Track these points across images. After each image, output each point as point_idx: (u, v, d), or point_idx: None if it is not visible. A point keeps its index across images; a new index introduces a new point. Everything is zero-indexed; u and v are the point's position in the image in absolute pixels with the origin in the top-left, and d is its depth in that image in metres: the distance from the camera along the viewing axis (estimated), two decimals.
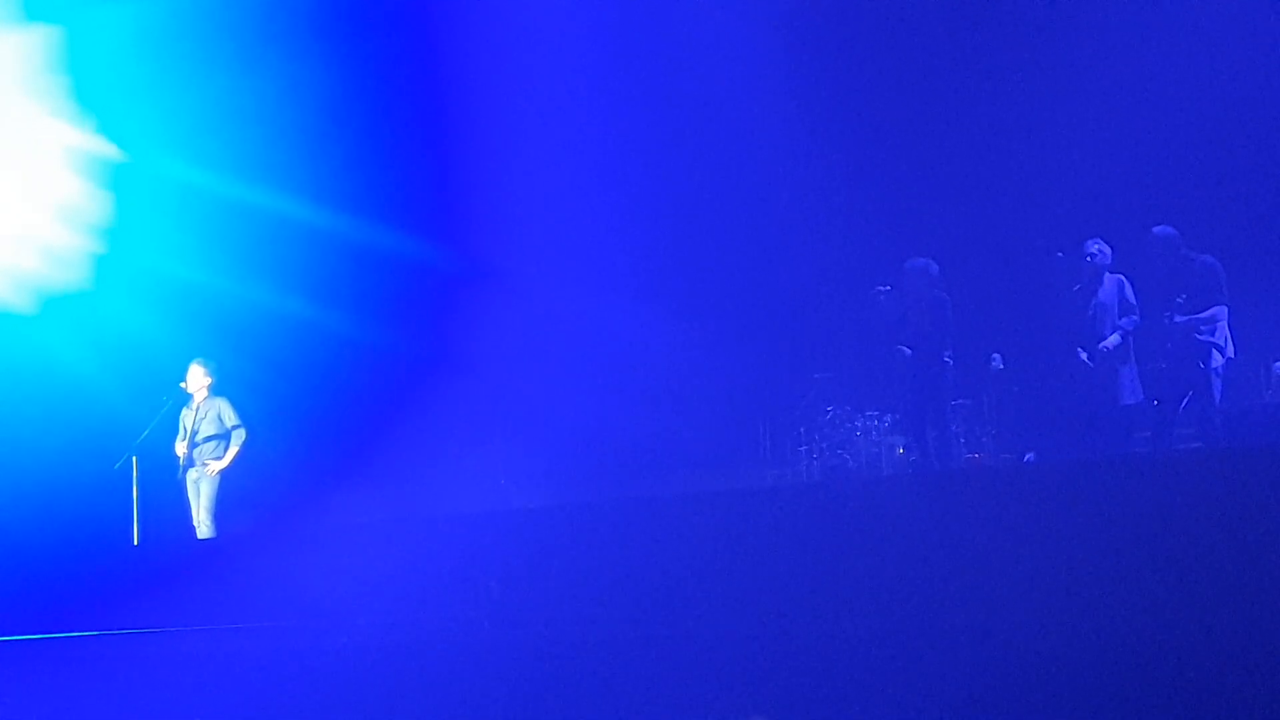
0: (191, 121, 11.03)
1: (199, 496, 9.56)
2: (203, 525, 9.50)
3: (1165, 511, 5.20)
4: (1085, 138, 10.65)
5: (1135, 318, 8.37)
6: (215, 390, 9.69)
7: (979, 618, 5.28)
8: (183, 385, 9.70)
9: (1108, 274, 8.47)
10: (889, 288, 9.17)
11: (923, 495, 6.01)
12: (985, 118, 11.30)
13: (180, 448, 9.61)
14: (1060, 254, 8.77)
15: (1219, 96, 10.23)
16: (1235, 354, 8.08)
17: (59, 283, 11.02)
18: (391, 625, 6.48)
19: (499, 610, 6.49)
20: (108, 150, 11.00)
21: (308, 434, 11.24)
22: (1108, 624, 4.98)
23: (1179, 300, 7.98)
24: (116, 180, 11.08)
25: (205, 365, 9.72)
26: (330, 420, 11.60)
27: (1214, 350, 7.91)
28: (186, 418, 9.66)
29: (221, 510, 9.54)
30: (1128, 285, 8.44)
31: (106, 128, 10.96)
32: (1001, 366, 11.53)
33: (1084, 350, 8.53)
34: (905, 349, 8.84)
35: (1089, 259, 8.48)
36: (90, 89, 10.87)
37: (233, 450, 9.57)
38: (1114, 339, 8.34)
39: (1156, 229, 8.19)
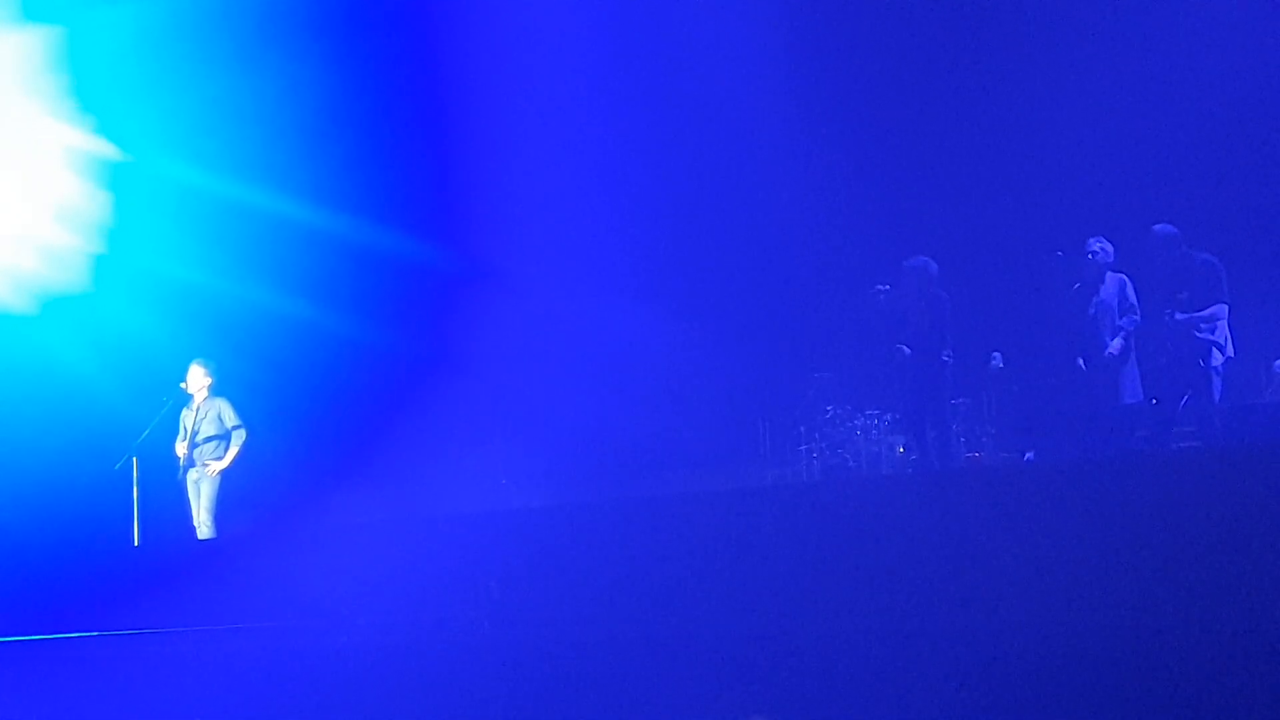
0: (191, 122, 11.03)
1: (199, 497, 9.56)
2: (203, 526, 9.50)
3: (1165, 511, 5.20)
4: (1086, 136, 10.65)
5: (1135, 318, 8.34)
6: (215, 390, 9.69)
7: (979, 617, 5.28)
8: (183, 386, 9.70)
9: (1109, 273, 8.42)
10: (888, 287, 9.16)
11: (923, 494, 6.01)
12: (985, 117, 11.30)
13: (180, 448, 9.61)
14: (1060, 253, 8.75)
15: (1219, 95, 10.23)
16: (1235, 353, 8.07)
17: (59, 283, 11.02)
18: (391, 625, 6.48)
19: (499, 610, 6.49)
20: (107, 150, 11.00)
21: (308, 434, 11.25)
22: (1108, 623, 4.98)
23: (1180, 297, 7.97)
24: (116, 180, 11.09)
25: (205, 365, 9.72)
26: (330, 420, 11.60)
27: (1214, 349, 7.90)
28: (186, 418, 9.66)
29: (222, 510, 9.53)
30: (1129, 285, 8.39)
31: (106, 128, 10.96)
32: (1001, 365, 11.54)
33: (1082, 357, 8.49)
34: (904, 348, 8.83)
35: (1090, 256, 8.43)
36: (90, 89, 10.87)
37: (233, 450, 9.57)
38: (1117, 344, 8.30)
39: (1157, 227, 8.18)
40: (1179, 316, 7.96)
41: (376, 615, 6.61)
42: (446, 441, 11.81)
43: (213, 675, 6.10)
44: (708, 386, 12.56)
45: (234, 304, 10.99)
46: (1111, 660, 4.67)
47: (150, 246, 11.08)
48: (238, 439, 9.57)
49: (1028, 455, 10.20)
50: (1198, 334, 7.92)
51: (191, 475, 9.61)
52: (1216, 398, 7.95)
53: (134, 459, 9.53)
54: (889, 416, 11.38)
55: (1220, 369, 7.96)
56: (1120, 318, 8.35)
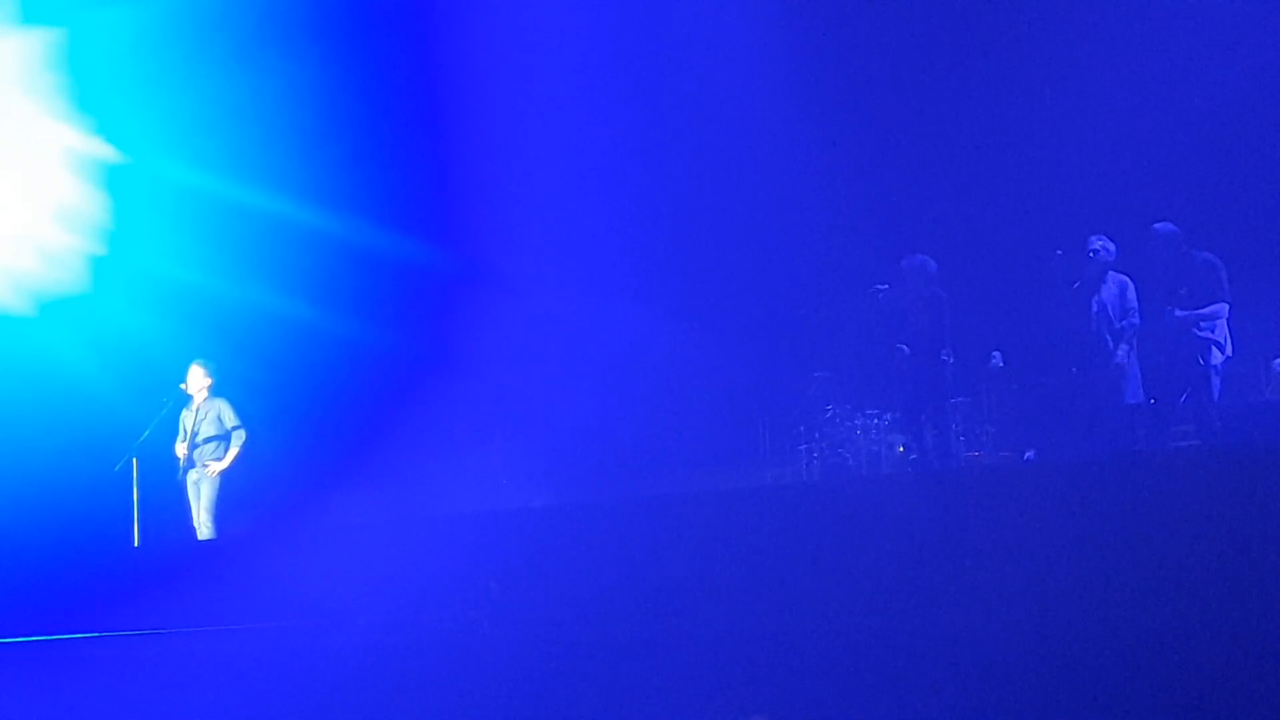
0: (190, 123, 11.03)
1: (199, 497, 9.56)
2: (203, 526, 9.50)
3: (1164, 509, 5.20)
4: (1086, 135, 10.66)
5: (1134, 321, 8.30)
6: (215, 391, 9.69)
7: (979, 617, 5.28)
8: (183, 386, 9.70)
9: (1111, 272, 8.40)
10: (887, 286, 9.16)
11: (922, 494, 6.01)
12: (985, 116, 11.31)
13: (180, 449, 9.61)
14: (1060, 252, 8.74)
15: (1219, 95, 10.24)
16: (1234, 352, 8.07)
17: (58, 284, 11.02)
18: (391, 625, 6.48)
19: (499, 610, 6.49)
20: (107, 152, 11.00)
21: (308, 434, 11.24)
22: (1107, 622, 4.98)
23: (1181, 293, 7.96)
24: (115, 182, 11.08)
25: (205, 366, 9.72)
26: (330, 420, 11.60)
27: (1213, 347, 7.90)
28: (186, 419, 9.66)
29: (222, 511, 9.53)
30: (1130, 287, 8.34)
31: (105, 129, 10.96)
32: (1001, 364, 11.54)
33: (1077, 366, 8.48)
34: (904, 347, 8.83)
35: (1092, 255, 8.40)
36: (89, 90, 10.87)
37: (233, 451, 9.57)
38: (1123, 352, 8.28)
39: (1158, 226, 8.17)
40: (1179, 313, 7.96)
41: (376, 615, 6.60)
42: (446, 441, 11.81)
43: (213, 675, 6.09)
44: (708, 386, 12.57)
45: (233, 305, 10.99)
46: (1111, 660, 4.67)
47: (149, 247, 11.08)
48: (237, 440, 9.57)
49: (1027, 454, 10.20)
50: (1197, 332, 7.92)
51: (191, 476, 9.61)
52: (1216, 396, 7.95)
53: (134, 460, 9.53)
54: (889, 416, 11.39)
55: (1219, 368, 7.96)
56: (1119, 321, 8.33)
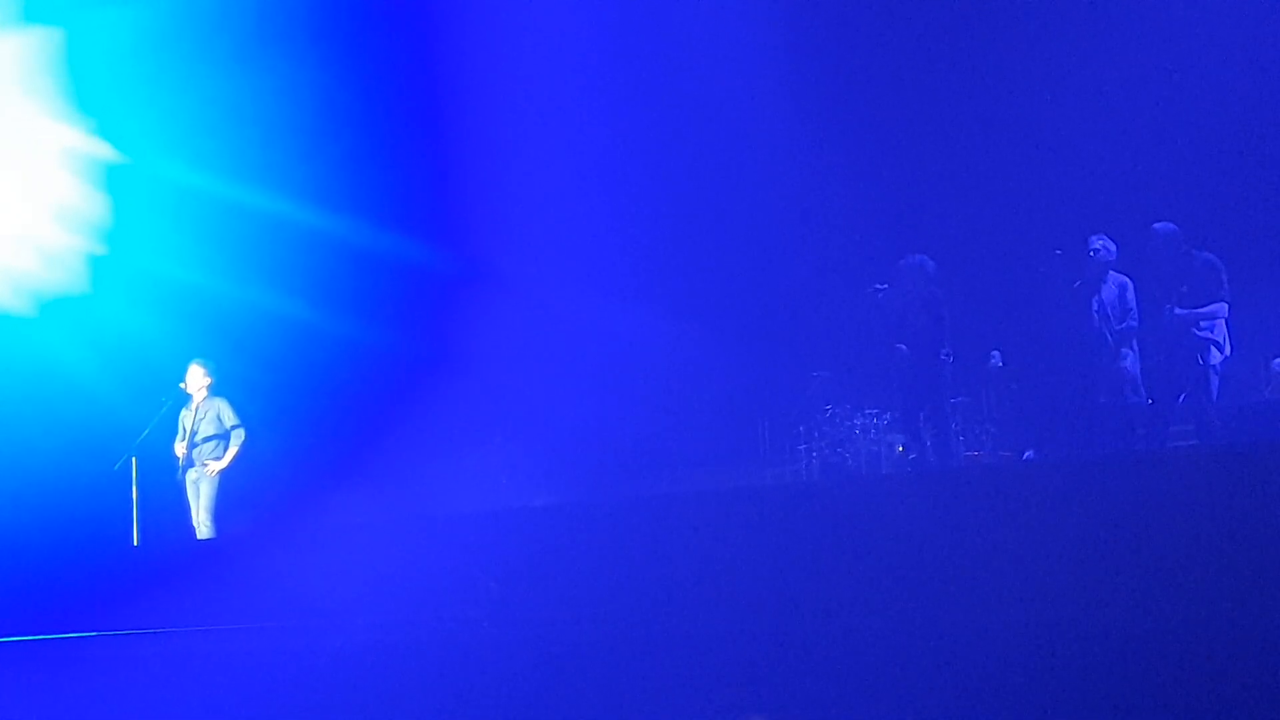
0: (189, 123, 11.03)
1: (199, 497, 9.56)
2: (202, 526, 9.50)
3: (1165, 509, 5.20)
4: (1086, 135, 10.67)
5: (1133, 323, 8.30)
6: (214, 391, 9.69)
7: (979, 616, 5.28)
8: (182, 386, 9.70)
9: (1112, 272, 8.40)
10: (887, 286, 9.16)
11: (922, 494, 6.01)
12: (984, 115, 11.32)
13: (179, 448, 9.61)
14: (1059, 251, 8.74)
15: (1220, 94, 10.24)
16: (1233, 352, 8.07)
17: (58, 284, 11.02)
18: (391, 625, 6.48)
19: (499, 610, 6.49)
20: (106, 152, 11.00)
21: (307, 434, 11.25)
22: (1107, 622, 4.98)
23: (1181, 290, 7.97)
24: (115, 182, 11.09)
25: (204, 365, 9.72)
26: (330, 420, 11.60)
27: (1212, 347, 7.91)
28: (186, 418, 9.66)
29: (221, 510, 9.53)
30: (1130, 288, 8.34)
31: (105, 129, 10.96)
32: (1001, 364, 11.54)
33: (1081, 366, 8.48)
34: (903, 347, 8.83)
35: (1092, 254, 8.40)
36: (89, 91, 10.87)
37: (232, 450, 9.57)
38: (1124, 353, 8.28)
39: (1158, 225, 8.18)
40: (1179, 311, 7.96)
41: (376, 615, 6.60)
42: (446, 441, 11.81)
43: (213, 675, 6.09)
44: (708, 386, 12.57)
45: (233, 304, 10.99)
46: (1111, 659, 4.67)
47: (149, 247, 11.08)
48: (237, 439, 9.57)
49: (1027, 454, 10.20)
50: (1196, 332, 7.93)
51: (191, 475, 9.61)
52: (1215, 396, 7.96)
53: (133, 459, 9.53)
54: (888, 415, 11.39)
55: (1218, 367, 7.96)
56: (1118, 323, 8.33)
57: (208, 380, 9.69)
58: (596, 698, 5.28)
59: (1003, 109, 11.14)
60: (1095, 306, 8.37)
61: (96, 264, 11.14)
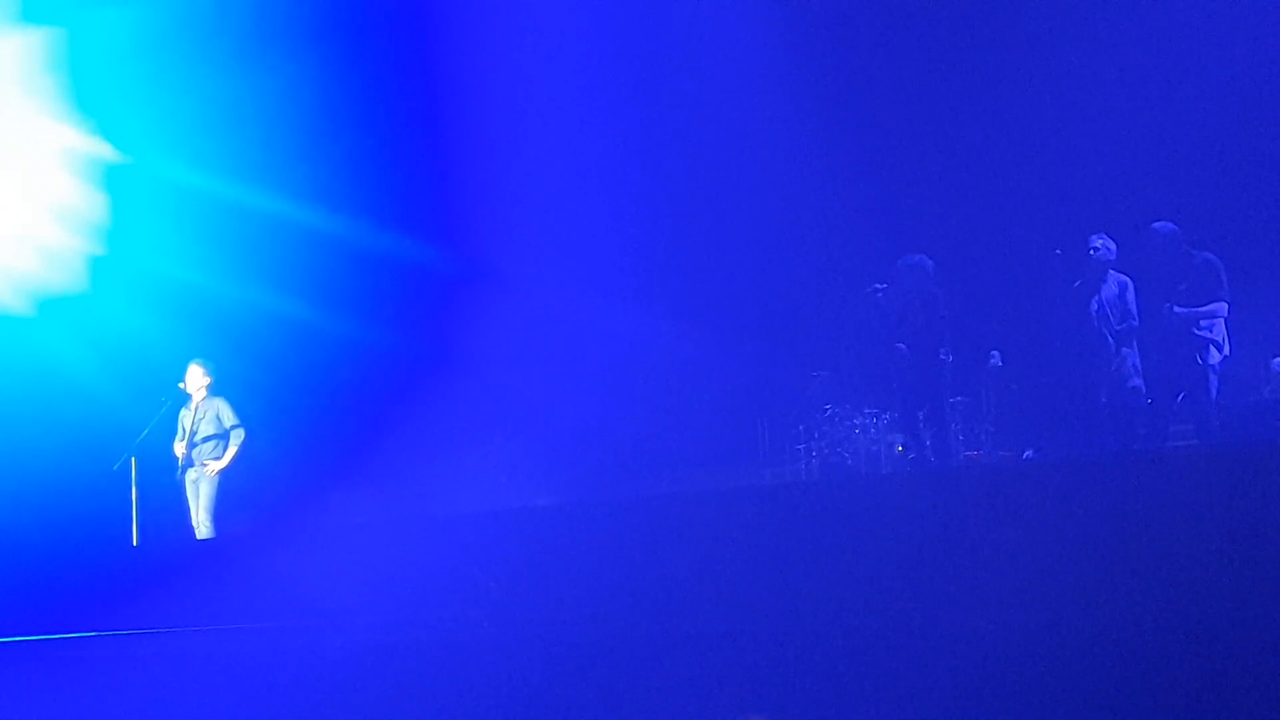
0: (189, 123, 11.03)
1: (198, 497, 9.56)
2: (202, 526, 9.50)
3: (1164, 509, 5.20)
4: (1086, 134, 10.66)
5: (1133, 323, 8.29)
6: (214, 390, 9.70)
7: (978, 616, 5.28)
8: (181, 385, 9.71)
9: (1112, 272, 8.39)
10: (886, 285, 9.16)
11: (921, 493, 6.01)
12: (984, 114, 11.31)
13: (179, 448, 9.61)
14: (1059, 251, 8.74)
15: (1220, 94, 10.23)
16: (1232, 351, 8.07)
17: (57, 284, 11.02)
18: (391, 625, 6.47)
19: (499, 610, 6.49)
20: (106, 151, 11.00)
21: (307, 434, 11.25)
22: (1107, 621, 4.98)
23: (1180, 288, 7.96)
24: (114, 182, 11.09)
25: (204, 365, 9.72)
26: (330, 420, 11.60)
27: (1211, 346, 7.90)
28: (185, 418, 9.66)
29: (221, 510, 9.53)
30: (1130, 288, 8.33)
31: (105, 129, 10.96)
32: (1000, 364, 11.54)
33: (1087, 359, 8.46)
34: (902, 346, 8.83)
35: (1092, 253, 8.39)
36: (88, 90, 10.87)
37: (231, 450, 9.57)
38: (1126, 354, 8.27)
39: (1157, 225, 8.17)
40: (1178, 310, 7.96)
41: (376, 615, 6.60)
42: (446, 441, 11.81)
43: (212, 675, 6.09)
44: (707, 386, 12.57)
45: (232, 304, 11.00)
46: (1111, 659, 4.67)
47: (148, 247, 11.09)
48: (236, 439, 9.57)
49: (1027, 454, 10.20)
50: (1196, 331, 7.92)
51: (190, 475, 9.61)
52: (1214, 396, 7.95)
53: (133, 459, 9.53)
54: (887, 415, 11.39)
55: (1218, 367, 7.96)
56: (1119, 323, 8.32)
57: (207, 380, 9.69)
58: (596, 698, 5.28)
59: (1002, 109, 11.14)
60: (1095, 306, 8.36)
61: (96, 264, 11.14)
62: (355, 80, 11.53)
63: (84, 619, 7.23)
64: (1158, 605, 5.00)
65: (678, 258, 12.64)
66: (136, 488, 9.54)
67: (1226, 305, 7.95)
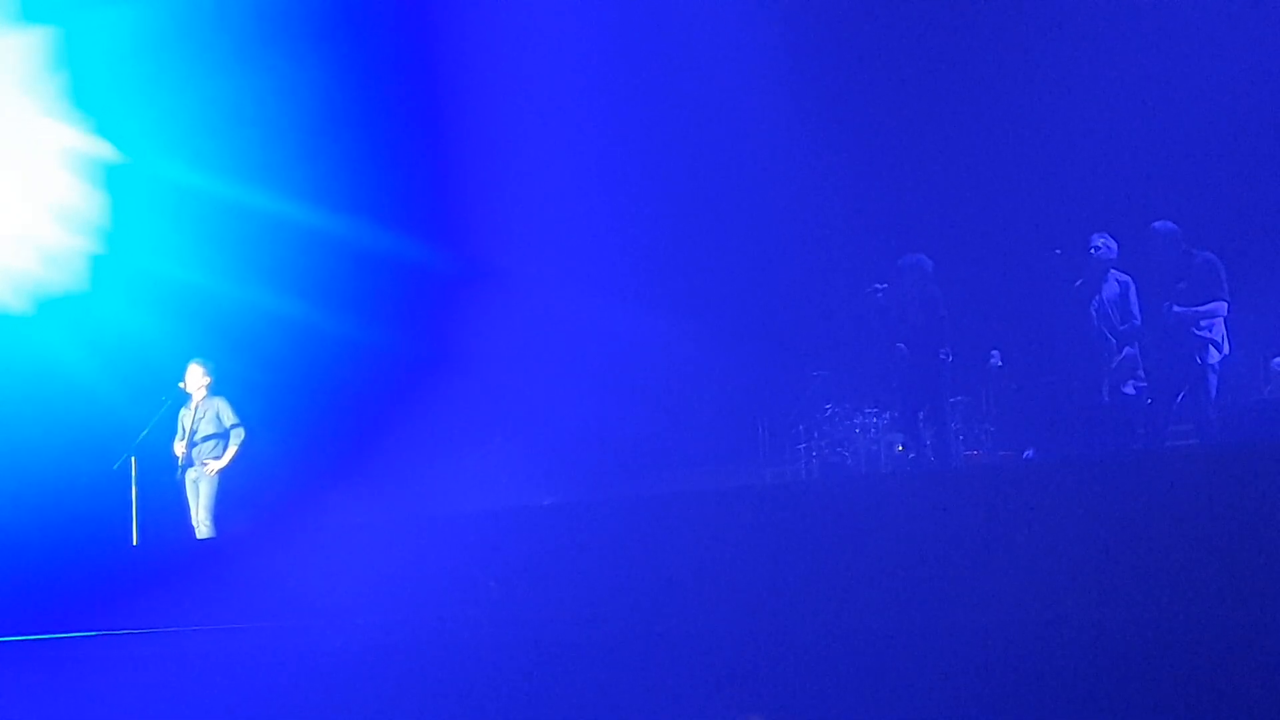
0: (189, 123, 11.03)
1: (198, 496, 9.56)
2: (202, 525, 9.50)
3: (1164, 508, 5.20)
4: (1086, 134, 10.66)
5: (1136, 323, 8.27)
6: (214, 390, 9.70)
7: (978, 616, 5.28)
8: (181, 385, 9.71)
9: (1113, 271, 8.38)
10: (886, 285, 9.16)
11: (921, 493, 6.01)
12: (984, 114, 11.31)
13: (179, 447, 9.62)
14: (1059, 250, 8.73)
15: (1220, 94, 10.23)
16: (1231, 351, 8.07)
17: (57, 284, 11.02)
18: (391, 625, 6.48)
19: (499, 610, 6.49)
20: (105, 151, 11.00)
21: (307, 434, 11.25)
22: (1107, 621, 4.98)
23: (1179, 287, 7.96)
24: (114, 181, 11.09)
25: (204, 365, 9.73)
26: (330, 420, 11.60)
27: (1210, 346, 7.90)
28: (185, 417, 9.66)
29: (221, 510, 9.53)
30: (1132, 287, 8.31)
31: (104, 129, 10.96)
32: (1000, 364, 11.54)
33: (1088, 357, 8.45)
34: (902, 346, 8.83)
35: (1093, 252, 8.38)
36: (88, 90, 10.87)
37: (231, 449, 9.57)
38: (1128, 353, 8.27)
39: (1157, 224, 8.16)
40: (1177, 309, 7.96)
41: (376, 615, 6.60)
42: (446, 441, 11.81)
43: (213, 675, 6.09)
44: (707, 386, 12.58)
45: (232, 304, 10.99)
46: (1111, 659, 4.67)
47: (148, 247, 11.09)
48: (236, 438, 9.57)
49: (1026, 453, 10.20)
50: (1195, 331, 7.92)
51: (190, 474, 9.62)
52: (1214, 395, 7.95)
53: (133, 459, 9.54)
54: (887, 415, 11.39)
55: (1217, 367, 7.95)
56: (1121, 325, 8.31)
57: (207, 380, 9.70)
58: (596, 698, 5.28)
59: (1002, 108, 11.14)
60: (1095, 305, 8.35)
61: (96, 263, 11.14)
62: (355, 80, 11.53)
63: (84, 618, 7.23)
64: (1158, 605, 5.00)
65: (678, 258, 12.64)
66: (136, 487, 9.54)
67: (1226, 305, 7.95)
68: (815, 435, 11.99)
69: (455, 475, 11.67)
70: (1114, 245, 8.42)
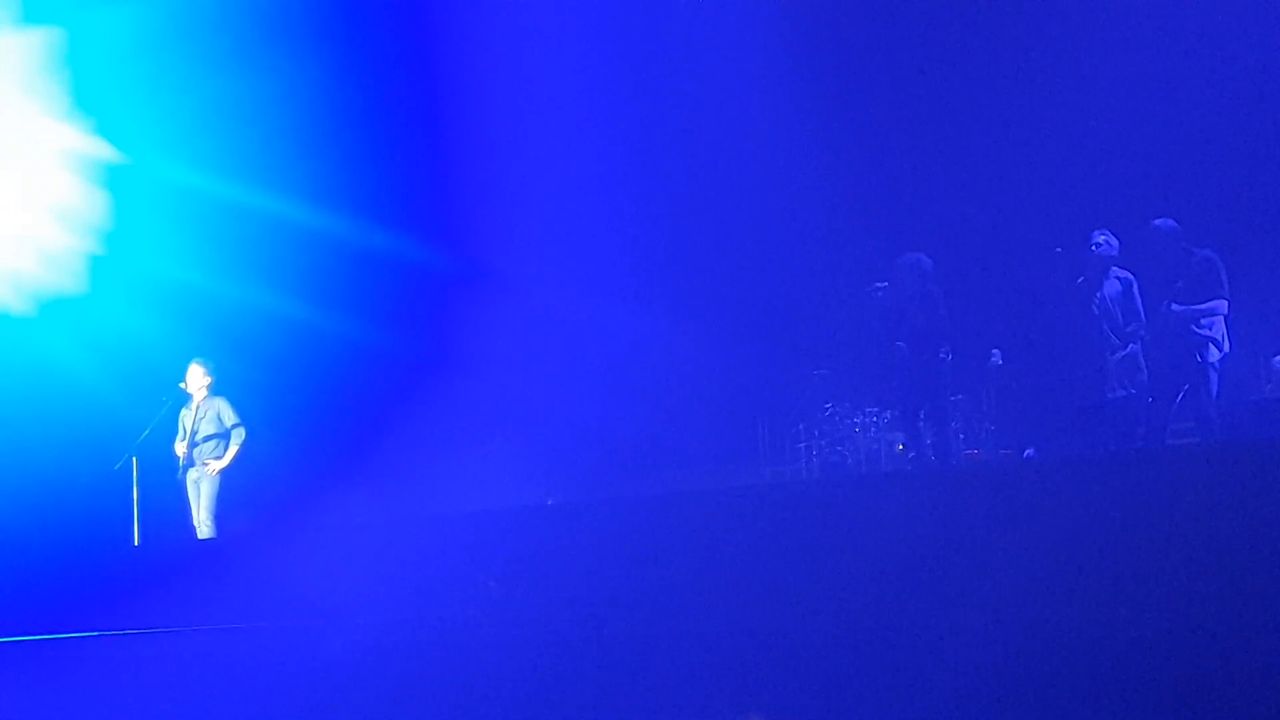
0: (189, 123, 11.04)
1: (199, 496, 9.57)
2: (203, 525, 9.51)
3: (1165, 507, 5.20)
4: (1086, 133, 10.66)
5: (1141, 324, 8.25)
6: (214, 390, 9.70)
7: (978, 615, 5.28)
8: (182, 385, 9.71)
9: (1114, 268, 8.37)
10: (886, 284, 9.16)
11: (922, 492, 6.01)
12: (983, 112, 11.31)
13: (180, 448, 9.62)
14: (1059, 249, 8.73)
15: (1220, 92, 10.23)
16: (1231, 349, 8.06)
17: (57, 285, 11.02)
18: (391, 625, 6.48)
19: (499, 610, 6.49)
20: (106, 152, 11.00)
21: (307, 434, 11.25)
22: (1107, 621, 4.98)
23: (1176, 285, 7.95)
24: (114, 182, 11.09)
25: (204, 365, 9.73)
26: (330, 420, 11.61)
27: (1210, 344, 7.89)
28: (186, 418, 9.67)
29: (221, 510, 9.54)
30: (1134, 285, 8.29)
31: (105, 129, 10.96)
32: (1001, 362, 11.53)
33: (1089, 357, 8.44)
34: (902, 345, 8.82)
35: (1094, 249, 8.36)
36: (88, 91, 10.88)
37: (232, 449, 9.58)
38: (1133, 349, 8.27)
39: (1157, 222, 8.15)
40: (1175, 308, 7.95)
41: (376, 615, 6.60)
42: (446, 441, 11.81)
43: (213, 675, 6.09)
44: (707, 385, 12.58)
45: (232, 304, 11.00)
46: (1111, 659, 4.66)
47: (149, 248, 11.09)
48: (237, 438, 9.58)
49: (1027, 452, 10.20)
50: (1195, 329, 7.91)
51: (191, 475, 9.62)
52: (1215, 394, 7.94)
53: (134, 459, 9.55)
54: (888, 414, 11.39)
55: (1217, 365, 7.95)
56: (1126, 325, 8.29)
57: (208, 380, 9.70)
58: (596, 697, 5.28)
59: (1002, 106, 11.14)
60: (1096, 302, 8.34)
61: (96, 264, 11.15)
62: (355, 80, 11.54)
63: (85, 619, 7.23)
64: (1158, 604, 5.00)
65: (678, 258, 12.64)
66: (138, 488, 9.55)
67: (1226, 303, 7.94)
68: (815, 435, 11.99)
69: (455, 475, 11.67)
70: (1115, 242, 8.40)
